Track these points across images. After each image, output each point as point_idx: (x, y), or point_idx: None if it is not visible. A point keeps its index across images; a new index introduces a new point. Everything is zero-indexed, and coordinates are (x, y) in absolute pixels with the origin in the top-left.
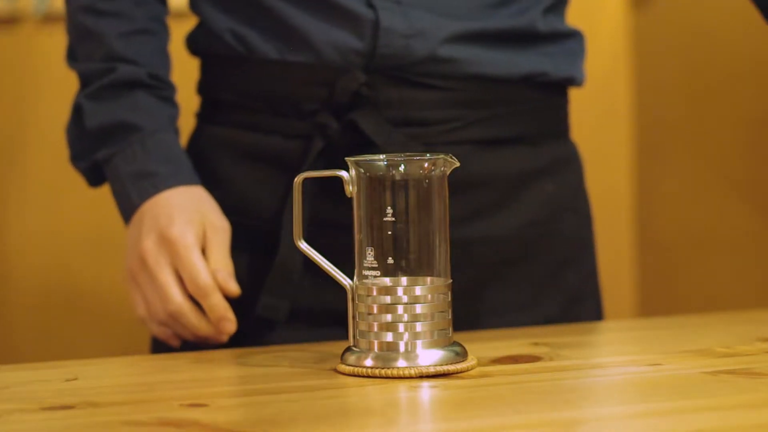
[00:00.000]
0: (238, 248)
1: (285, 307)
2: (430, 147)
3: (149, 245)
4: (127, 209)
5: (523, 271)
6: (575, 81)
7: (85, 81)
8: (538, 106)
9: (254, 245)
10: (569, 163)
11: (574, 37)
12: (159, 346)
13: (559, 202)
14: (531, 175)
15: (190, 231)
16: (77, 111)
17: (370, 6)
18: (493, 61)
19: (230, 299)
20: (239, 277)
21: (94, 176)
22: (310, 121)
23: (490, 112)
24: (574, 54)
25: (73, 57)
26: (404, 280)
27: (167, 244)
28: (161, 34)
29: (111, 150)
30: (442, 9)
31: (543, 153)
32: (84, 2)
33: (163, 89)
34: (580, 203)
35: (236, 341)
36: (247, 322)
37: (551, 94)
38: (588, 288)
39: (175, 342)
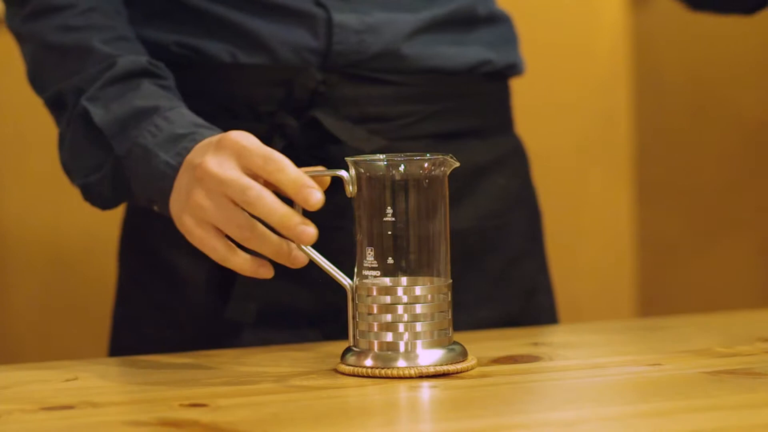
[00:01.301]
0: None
1: (253, 309)
2: (391, 142)
3: (208, 158)
4: (166, 180)
5: (483, 265)
6: (517, 68)
7: (78, 92)
8: (486, 98)
9: None
10: (516, 156)
11: (507, 21)
12: (117, 351)
13: (511, 195)
14: (483, 168)
15: (249, 135)
16: (82, 118)
17: (320, 5)
18: (442, 54)
19: (196, 303)
20: (205, 281)
21: (113, 186)
22: (269, 122)
23: (443, 105)
24: (511, 40)
25: (47, 84)
26: (404, 280)
27: (228, 145)
28: (138, 44)
29: (131, 136)
30: (391, 1)
31: (492, 146)
32: (54, 23)
33: (164, 78)
34: (529, 196)
35: (204, 345)
36: (216, 325)
37: (497, 85)
38: (541, 281)
39: (265, 271)
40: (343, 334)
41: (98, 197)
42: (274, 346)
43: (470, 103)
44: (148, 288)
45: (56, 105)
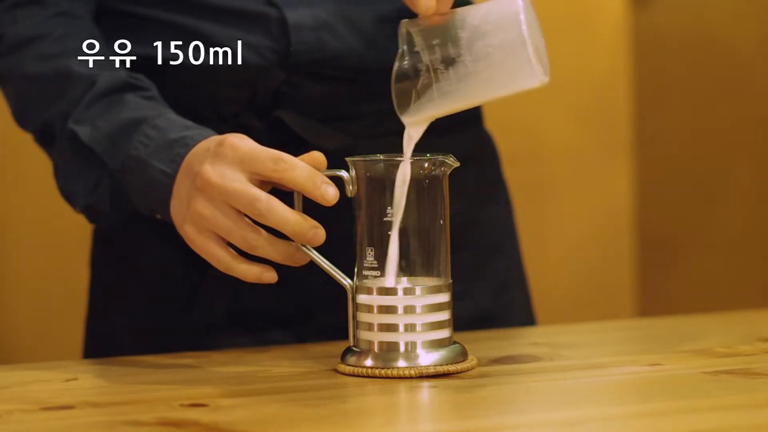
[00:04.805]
0: (171, 255)
1: (221, 311)
2: (357, 140)
3: (207, 167)
4: (164, 189)
5: (454, 261)
6: None
7: (64, 117)
8: None
9: (189, 251)
10: (485, 151)
11: None
12: (91, 354)
13: (480, 191)
14: None
15: (247, 138)
16: (71, 140)
17: (272, 4)
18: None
19: (167, 308)
20: (176, 284)
21: (113, 202)
22: (233, 123)
23: None
24: None
25: (33, 116)
26: (404, 280)
27: (228, 152)
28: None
29: (123, 149)
30: None
31: (460, 141)
32: (31, 54)
33: (147, 89)
34: (500, 191)
35: (175, 348)
36: (186, 329)
37: None
38: (514, 275)
39: (269, 275)
40: (315, 336)
41: (101, 217)
42: (274, 346)
43: None
44: (120, 294)
45: (45, 137)
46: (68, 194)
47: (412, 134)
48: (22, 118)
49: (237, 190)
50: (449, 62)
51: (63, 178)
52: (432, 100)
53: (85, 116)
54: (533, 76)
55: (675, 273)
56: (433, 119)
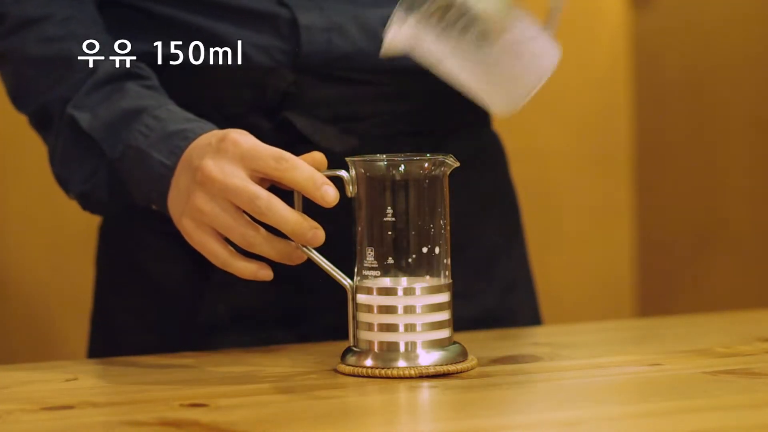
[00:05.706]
0: (176, 255)
1: (226, 311)
2: (364, 141)
3: (208, 162)
4: (163, 181)
5: (457, 262)
6: None
7: (63, 102)
8: (459, 95)
9: (192, 251)
10: (492, 152)
11: None
12: (96, 352)
13: (486, 192)
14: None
15: (249, 134)
16: (70, 126)
17: (283, 4)
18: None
19: (171, 308)
20: (180, 283)
21: (110, 191)
22: (240, 123)
23: (415, 103)
24: None
25: (31, 99)
26: (404, 280)
27: (230, 148)
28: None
29: (122, 138)
30: None
31: (467, 143)
32: (34, 35)
33: (148, 78)
34: (507, 192)
35: (179, 348)
36: (190, 329)
37: None
38: (520, 276)
39: (265, 272)
40: (315, 336)
41: (97, 204)
42: (274, 346)
43: (443, 101)
44: (124, 293)
45: (42, 120)
46: (63, 180)
47: (388, 35)
48: (19, 99)
49: (237, 186)
50: (478, 36)
51: (59, 164)
52: (440, 48)
53: (85, 102)
54: (513, 104)
55: (675, 273)
56: (420, 60)
